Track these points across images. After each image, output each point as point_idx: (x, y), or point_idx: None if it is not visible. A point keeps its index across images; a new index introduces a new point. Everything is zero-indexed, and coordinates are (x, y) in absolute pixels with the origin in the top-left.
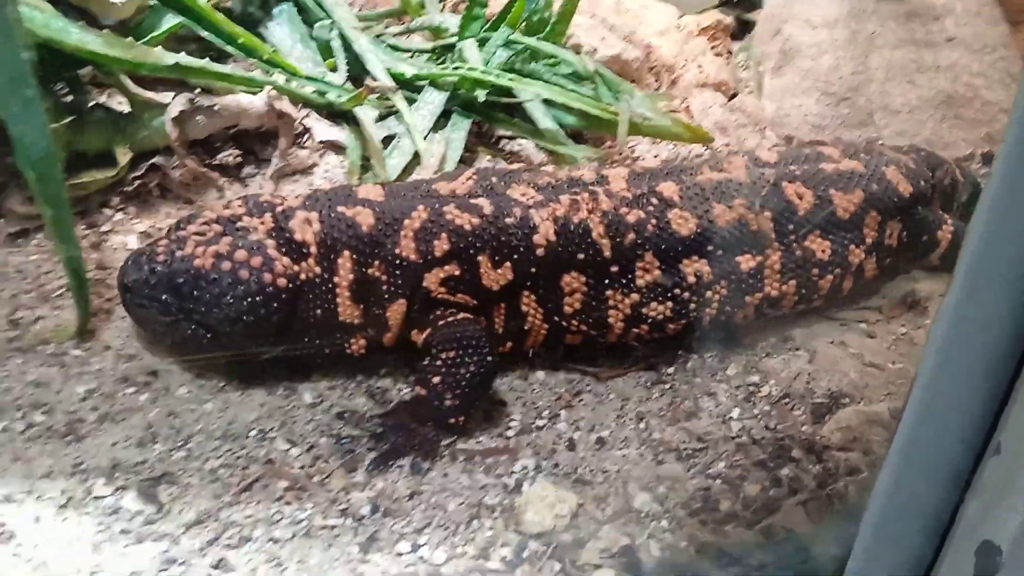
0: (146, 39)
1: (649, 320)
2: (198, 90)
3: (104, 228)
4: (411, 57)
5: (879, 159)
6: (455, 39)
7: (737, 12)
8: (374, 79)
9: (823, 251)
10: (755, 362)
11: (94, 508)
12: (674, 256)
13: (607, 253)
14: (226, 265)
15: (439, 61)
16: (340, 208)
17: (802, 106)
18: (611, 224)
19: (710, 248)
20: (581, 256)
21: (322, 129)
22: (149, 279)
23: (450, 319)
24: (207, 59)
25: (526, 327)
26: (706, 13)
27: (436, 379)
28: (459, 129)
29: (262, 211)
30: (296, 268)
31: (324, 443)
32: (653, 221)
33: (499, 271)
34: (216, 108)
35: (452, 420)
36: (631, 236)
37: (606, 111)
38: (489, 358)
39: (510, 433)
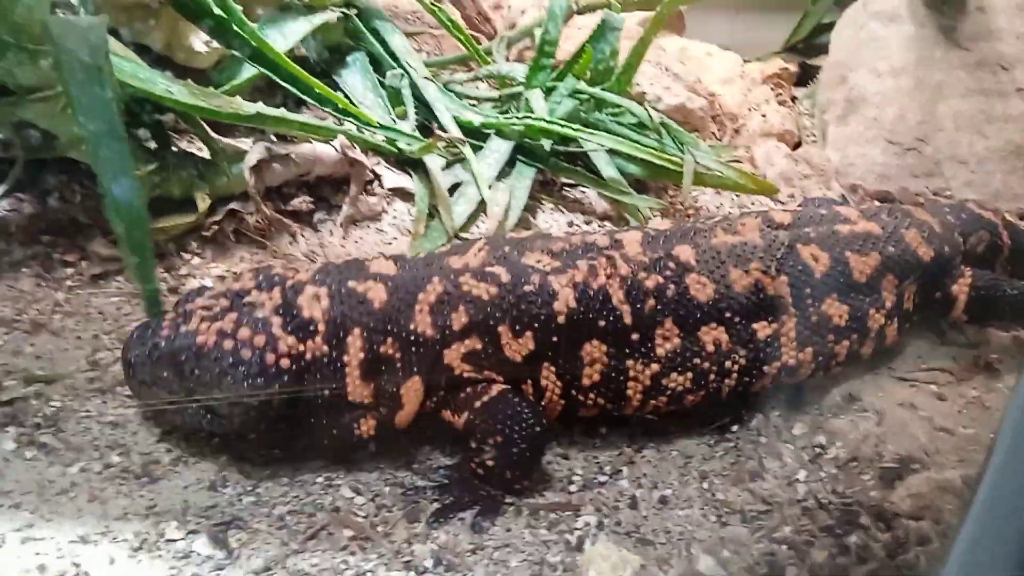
0: (226, 88)
1: (668, 392)
2: (273, 138)
3: (182, 271)
4: (477, 105)
5: (900, 221)
6: (521, 88)
7: (801, 58)
8: (443, 128)
9: (840, 316)
10: (821, 422)
11: (166, 551)
12: (692, 323)
13: (628, 320)
14: (228, 344)
15: (504, 110)
16: (351, 283)
17: (867, 155)
18: (630, 290)
19: (727, 314)
20: (602, 323)
21: (391, 177)
22: (152, 354)
23: (485, 399)
24: (282, 108)
25: (543, 402)
26: (770, 60)
27: (491, 463)
28: (524, 178)
29: (271, 285)
30: (302, 347)
31: (388, 492)
32: (671, 286)
33: (520, 340)
34: (291, 156)
35: (517, 487)
36: (650, 304)
37: (670, 161)
38: (537, 428)
39: (573, 488)
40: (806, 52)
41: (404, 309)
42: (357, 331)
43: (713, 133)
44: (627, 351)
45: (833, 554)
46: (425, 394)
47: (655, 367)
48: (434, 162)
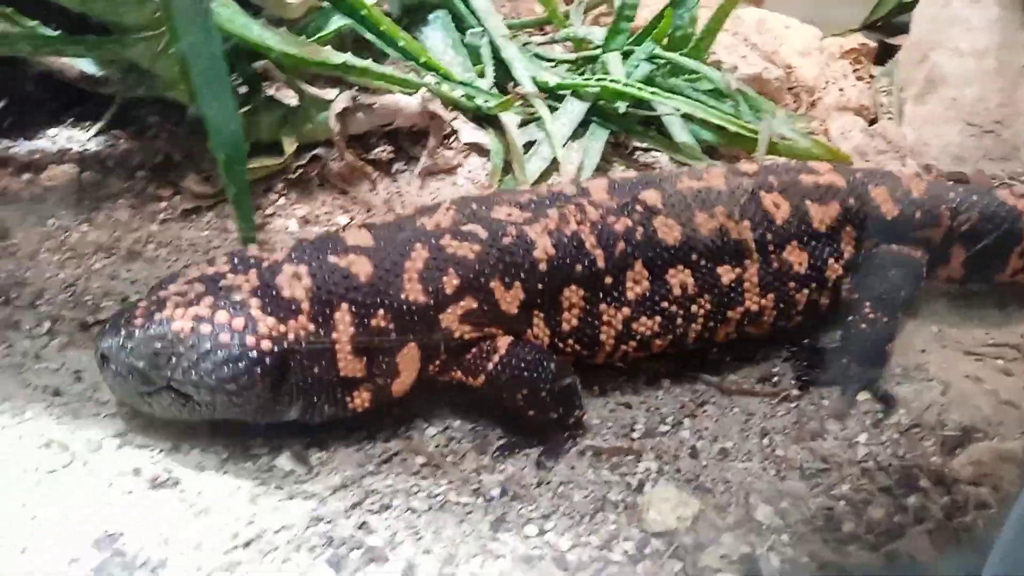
0: (314, 38)
1: (637, 337)
2: (356, 88)
3: (268, 211)
4: (554, 67)
5: (871, 178)
6: (598, 51)
7: (880, 36)
8: (520, 86)
9: (800, 263)
10: (887, 390)
11: (251, 465)
12: (661, 266)
13: (601, 263)
14: (205, 328)
15: (580, 72)
16: (332, 259)
17: (944, 135)
18: (601, 234)
19: (692, 256)
20: (578, 268)
21: (468, 131)
22: (125, 344)
23: (496, 357)
24: (355, 58)
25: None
26: (849, 36)
27: (532, 413)
28: (597, 139)
29: (247, 267)
30: (283, 328)
31: (458, 426)
32: (639, 229)
33: (512, 292)
34: (375, 106)
35: (571, 421)
36: (620, 245)
37: (745, 128)
38: (554, 367)
39: (635, 435)
40: (886, 31)
41: (392, 279)
42: (345, 307)
43: (788, 104)
44: (600, 295)
45: (890, 513)
46: (423, 360)
47: (626, 311)
48: (510, 119)
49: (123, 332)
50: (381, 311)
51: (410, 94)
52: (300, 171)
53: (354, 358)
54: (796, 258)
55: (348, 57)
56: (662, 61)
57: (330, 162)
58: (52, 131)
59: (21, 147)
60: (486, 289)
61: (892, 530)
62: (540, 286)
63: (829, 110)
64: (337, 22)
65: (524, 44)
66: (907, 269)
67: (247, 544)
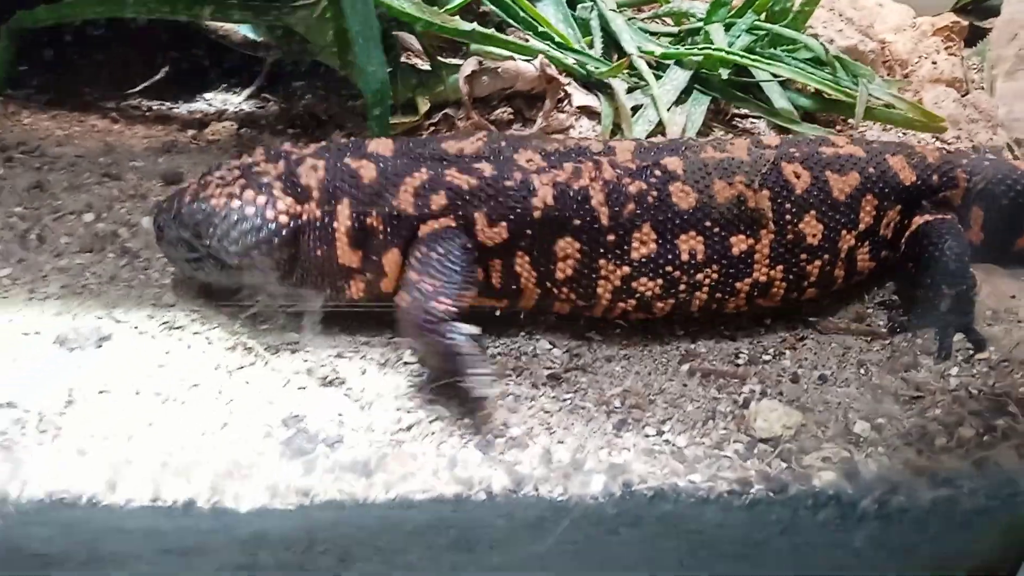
0: (444, 9)
1: (637, 295)
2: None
3: None
4: (657, 38)
5: (888, 147)
6: (699, 25)
7: (971, 19)
8: (629, 55)
9: (814, 235)
10: (979, 330)
11: (404, 371)
12: (672, 231)
13: (604, 221)
14: (235, 203)
15: (680, 43)
16: (347, 159)
17: None
18: (612, 193)
19: (706, 223)
20: (577, 222)
21: (580, 96)
22: (175, 218)
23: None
24: (481, 26)
25: (519, 287)
26: (941, 16)
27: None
28: (699, 104)
29: (278, 158)
30: (299, 208)
31: (576, 346)
32: (654, 193)
33: (494, 230)
34: (498, 71)
35: (439, 300)
36: (630, 207)
37: (843, 94)
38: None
39: (739, 362)
40: (976, 13)
41: (390, 188)
42: (346, 201)
43: (883, 76)
44: (601, 251)
45: (980, 432)
46: (401, 267)
47: (626, 269)
48: (619, 85)
49: (173, 208)
50: (375, 212)
51: (528, 60)
52: (432, 128)
53: (350, 249)
54: (812, 230)
55: (475, 26)
56: (762, 32)
57: (457, 121)
58: (208, 94)
59: (182, 108)
60: (469, 217)
61: (981, 445)
62: (529, 231)
63: (923, 82)
64: None
65: (630, 19)
66: (954, 234)
67: (408, 428)
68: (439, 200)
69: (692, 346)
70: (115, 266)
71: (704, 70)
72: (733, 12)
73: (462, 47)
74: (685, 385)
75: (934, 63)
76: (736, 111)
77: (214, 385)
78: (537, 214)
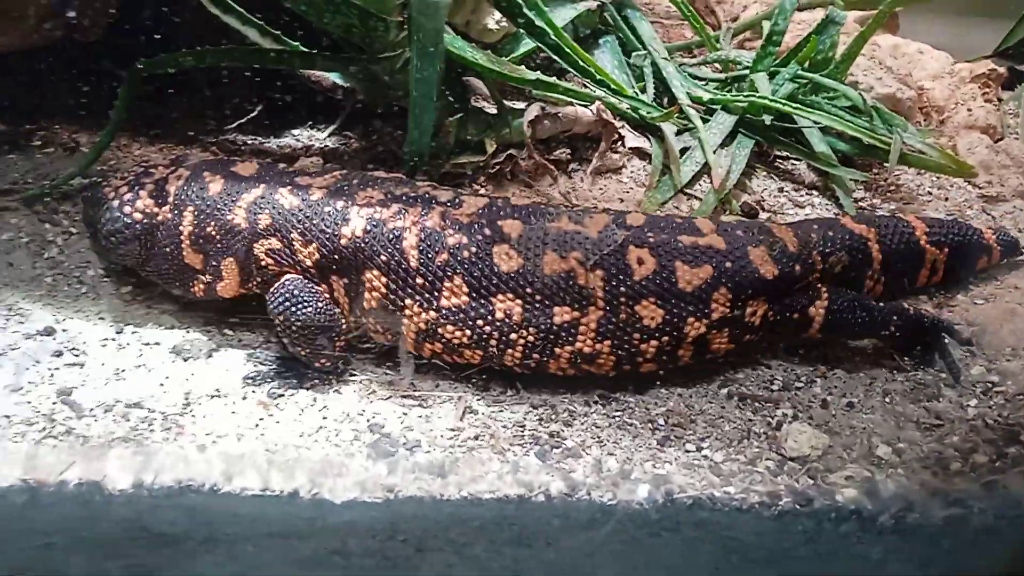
0: (508, 58)
1: (443, 340)
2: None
3: None
4: (705, 85)
5: (750, 239)
6: (745, 72)
7: (1010, 63)
8: (678, 102)
9: (652, 318)
10: (998, 365)
11: (471, 385)
12: (487, 289)
13: (412, 264)
14: (111, 195)
15: (727, 89)
16: (205, 173)
17: None
18: (426, 239)
19: (527, 290)
20: (383, 258)
21: (632, 138)
22: (86, 198)
23: (274, 287)
24: (543, 75)
25: (339, 310)
26: (980, 61)
27: (285, 341)
28: (744, 147)
29: (172, 163)
30: (156, 210)
31: None
32: (472, 249)
33: (308, 249)
34: (559, 115)
35: (316, 363)
36: (441, 257)
37: (878, 141)
38: (311, 311)
39: (774, 388)
40: (1016, 58)
41: (228, 202)
42: (191, 209)
43: (919, 122)
44: (408, 290)
45: (993, 459)
46: (241, 275)
47: (433, 315)
48: (669, 129)
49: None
50: (213, 223)
51: (586, 106)
52: (497, 167)
53: (192, 251)
54: (650, 313)
55: (538, 74)
56: (804, 81)
57: (520, 160)
58: (296, 131)
59: (273, 143)
60: (288, 237)
61: (992, 472)
62: (336, 256)
63: (958, 128)
64: (527, 45)
65: (679, 65)
66: (852, 304)
67: (475, 437)
68: (264, 220)
69: (731, 371)
70: None
71: (749, 115)
72: (778, 61)
73: (526, 92)
74: (723, 407)
75: (969, 110)
76: (778, 154)
77: (309, 394)
78: (344, 241)
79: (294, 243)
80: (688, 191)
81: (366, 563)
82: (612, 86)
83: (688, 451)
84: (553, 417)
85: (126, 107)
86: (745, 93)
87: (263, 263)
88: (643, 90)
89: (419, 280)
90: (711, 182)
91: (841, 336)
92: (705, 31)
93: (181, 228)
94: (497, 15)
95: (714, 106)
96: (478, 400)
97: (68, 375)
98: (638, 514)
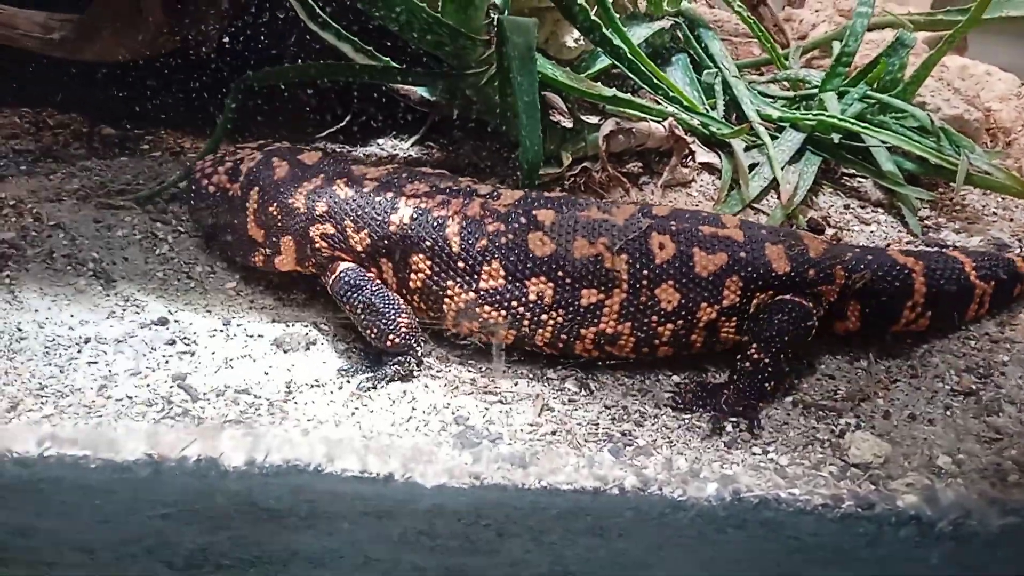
0: (585, 74)
1: (480, 320)
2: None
3: None
4: (774, 102)
5: (772, 236)
6: (813, 91)
7: None
8: (747, 119)
9: (669, 302)
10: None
11: (548, 385)
12: (521, 272)
13: (455, 248)
14: (197, 168)
15: (795, 107)
16: (274, 158)
17: None
18: (467, 226)
19: (558, 273)
20: (428, 243)
21: (702, 154)
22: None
23: (331, 276)
24: (619, 91)
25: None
26: None
27: (360, 329)
28: (811, 164)
29: (257, 148)
30: (228, 185)
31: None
32: (509, 236)
33: (359, 235)
34: (632, 130)
35: (388, 346)
36: (481, 243)
37: (945, 161)
38: (372, 296)
39: (837, 397)
40: None
41: (291, 187)
42: (256, 190)
43: (986, 143)
44: (451, 272)
45: None
46: (298, 254)
47: (472, 295)
48: (738, 145)
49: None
50: (276, 204)
51: (659, 121)
52: (572, 179)
53: (255, 226)
54: (668, 297)
55: (615, 91)
56: (873, 101)
57: (594, 173)
58: (381, 140)
59: (360, 151)
60: (341, 224)
61: None
62: (386, 241)
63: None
64: (603, 62)
65: (749, 83)
66: (794, 316)
67: (553, 432)
68: (320, 206)
69: (796, 381)
70: (317, 285)
71: (817, 133)
72: (847, 80)
73: (600, 107)
74: (789, 414)
75: None
76: (845, 171)
77: (399, 386)
78: (393, 228)
79: (346, 230)
80: (756, 206)
81: (451, 544)
82: (684, 103)
83: (755, 454)
84: (625, 417)
85: (231, 115)
86: (814, 112)
87: (316, 245)
88: (714, 107)
89: (460, 264)
90: (779, 197)
91: (749, 329)
92: (774, 49)
93: (248, 205)
94: (575, 33)
95: (783, 123)
96: (554, 399)
97: (181, 362)
98: (706, 510)
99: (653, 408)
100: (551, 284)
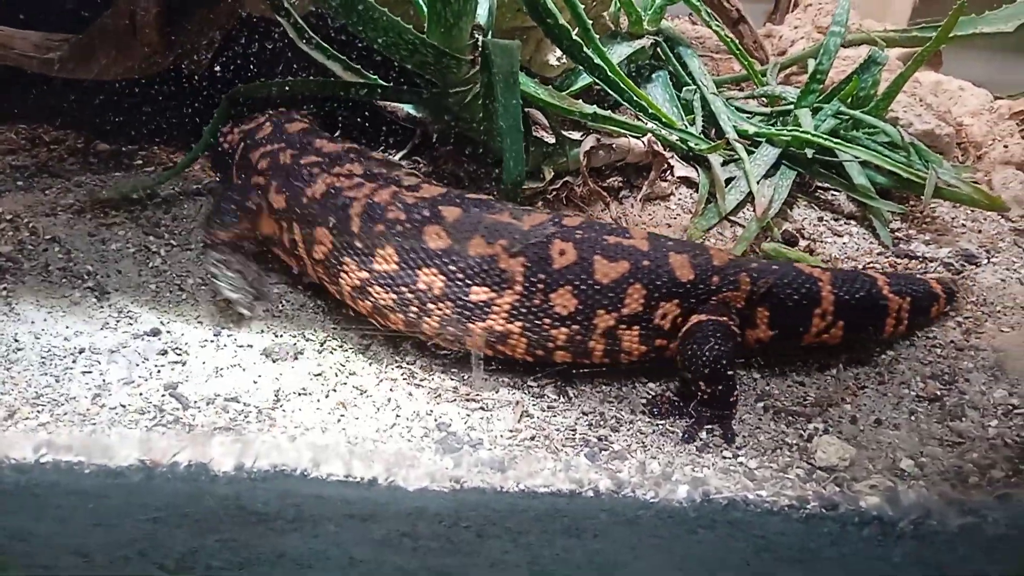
0: (567, 92)
1: (371, 300)
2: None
3: None
4: (751, 118)
5: (677, 246)
6: (790, 107)
7: None
8: (724, 134)
9: (564, 307)
10: (1020, 389)
11: (528, 392)
12: (414, 260)
13: (354, 228)
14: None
15: (772, 123)
16: (267, 121)
17: None
18: (369, 209)
19: (450, 267)
20: (332, 220)
21: (681, 168)
22: None
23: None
24: (599, 108)
25: (298, 253)
26: (1020, 98)
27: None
28: (786, 178)
29: (276, 113)
30: (234, 137)
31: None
32: (407, 225)
33: (279, 196)
34: (612, 146)
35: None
36: (379, 227)
37: (915, 175)
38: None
39: (806, 403)
40: None
41: (259, 144)
42: (242, 143)
43: (956, 157)
44: (348, 250)
45: (1009, 475)
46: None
47: (365, 275)
48: (715, 159)
49: None
50: (244, 157)
51: (638, 137)
52: (554, 193)
53: (235, 175)
54: (564, 301)
55: (595, 108)
56: (846, 117)
57: (576, 187)
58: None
59: None
60: (269, 183)
61: (1008, 485)
62: (298, 209)
63: (993, 164)
64: (584, 80)
65: (728, 99)
66: (719, 336)
67: (531, 438)
68: (264, 163)
69: (767, 387)
70: (304, 296)
71: (792, 148)
72: (822, 97)
73: (582, 123)
74: (760, 419)
75: (1005, 146)
76: (819, 185)
77: (383, 394)
78: (305, 199)
79: (271, 188)
80: (732, 218)
81: (432, 546)
82: (663, 119)
83: (725, 458)
84: (602, 423)
85: (217, 127)
86: (789, 127)
87: (258, 200)
88: (692, 123)
89: (358, 244)
90: (754, 210)
91: (680, 353)
92: (753, 66)
93: (235, 154)
94: (557, 52)
95: (759, 139)
96: (533, 405)
97: (173, 372)
98: (677, 511)
99: (629, 414)
100: (442, 276)
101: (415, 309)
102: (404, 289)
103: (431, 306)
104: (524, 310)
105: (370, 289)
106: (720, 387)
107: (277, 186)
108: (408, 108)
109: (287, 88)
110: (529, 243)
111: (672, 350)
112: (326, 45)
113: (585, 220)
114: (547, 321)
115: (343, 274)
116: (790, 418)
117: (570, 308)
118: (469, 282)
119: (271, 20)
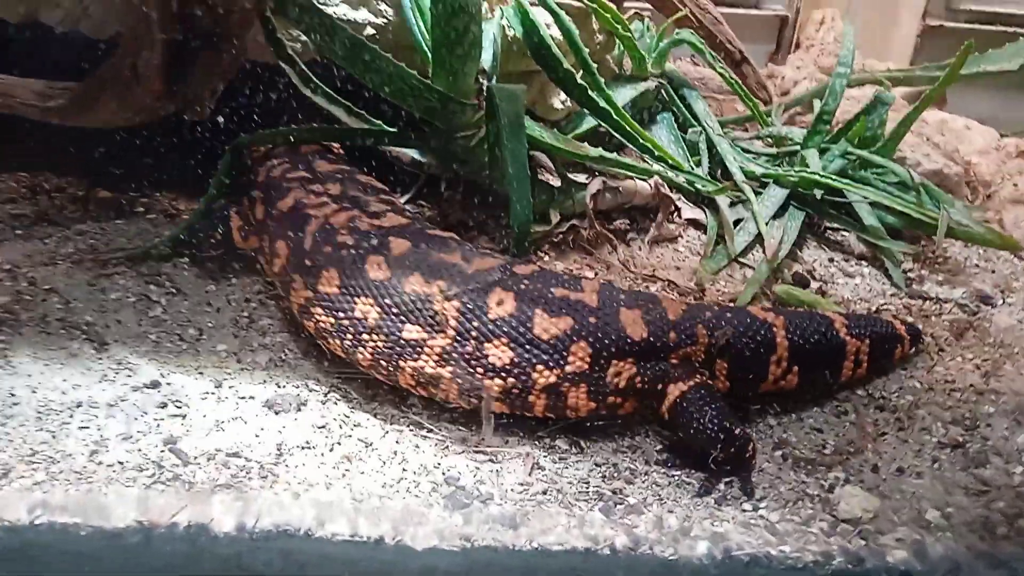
0: (572, 134)
1: (315, 321)
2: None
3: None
4: (757, 159)
5: (630, 301)
6: (796, 147)
7: None
8: (731, 176)
9: (498, 358)
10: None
11: (539, 442)
12: (353, 288)
13: (306, 246)
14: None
15: (778, 164)
16: (286, 155)
17: None
18: (322, 230)
19: (385, 300)
20: (291, 234)
21: (688, 210)
22: None
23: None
24: (605, 151)
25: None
26: None
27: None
28: (795, 219)
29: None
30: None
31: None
32: (352, 252)
33: (258, 208)
34: (619, 188)
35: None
36: (327, 248)
37: (926, 215)
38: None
39: (826, 452)
40: None
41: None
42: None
43: (966, 196)
44: (298, 265)
45: None
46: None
47: (309, 294)
48: (723, 201)
49: None
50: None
51: (644, 179)
52: (560, 236)
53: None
54: (498, 352)
55: (600, 151)
56: (854, 157)
57: (582, 230)
58: None
59: None
60: (254, 196)
61: None
62: (270, 222)
63: (1004, 203)
64: (589, 122)
65: (733, 140)
66: (706, 399)
67: (543, 492)
68: (259, 178)
69: (784, 435)
70: (308, 344)
71: (800, 189)
72: (829, 137)
73: (588, 166)
74: (780, 468)
75: (1015, 185)
76: (829, 225)
77: (389, 446)
78: (276, 212)
79: (256, 199)
80: (741, 260)
81: None
82: (669, 161)
83: (745, 511)
84: (615, 475)
85: (226, 177)
86: (796, 168)
87: (246, 210)
88: (698, 164)
89: (307, 261)
90: (764, 252)
91: (676, 428)
92: (757, 107)
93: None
94: (562, 95)
95: (766, 180)
96: (544, 456)
97: (173, 425)
98: (698, 569)
99: (643, 465)
100: (377, 308)
101: (351, 337)
102: (342, 315)
103: (365, 336)
104: (456, 356)
105: (312, 309)
106: (733, 448)
107: (261, 197)
108: (413, 153)
109: (291, 137)
110: (467, 288)
111: (628, 408)
112: (330, 91)
113: (537, 270)
114: (480, 371)
115: (292, 290)
116: (810, 467)
117: (505, 360)
118: (403, 319)
119: (274, 68)
